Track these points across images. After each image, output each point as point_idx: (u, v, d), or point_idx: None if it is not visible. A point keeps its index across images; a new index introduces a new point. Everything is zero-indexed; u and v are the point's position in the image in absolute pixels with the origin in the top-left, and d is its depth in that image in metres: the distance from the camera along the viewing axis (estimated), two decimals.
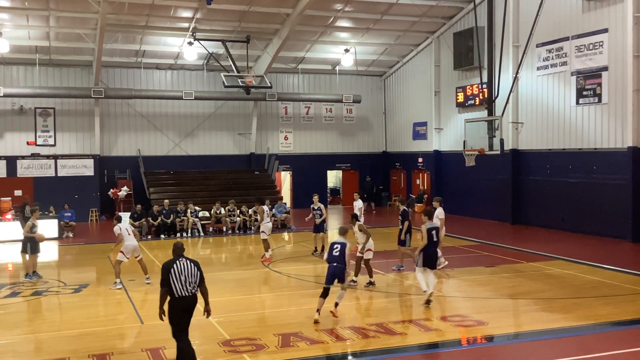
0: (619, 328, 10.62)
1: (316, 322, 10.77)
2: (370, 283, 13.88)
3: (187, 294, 8.34)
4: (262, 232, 17.43)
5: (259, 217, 18.13)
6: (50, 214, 23.41)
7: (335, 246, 11.36)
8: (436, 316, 11.27)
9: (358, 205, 18.72)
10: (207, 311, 8.72)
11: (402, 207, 15.86)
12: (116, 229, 14.52)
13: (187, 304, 8.39)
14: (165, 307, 8.49)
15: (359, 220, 14.38)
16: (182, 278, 8.34)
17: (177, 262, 8.49)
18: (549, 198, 23.44)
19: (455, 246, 19.59)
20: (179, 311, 8.35)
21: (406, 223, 15.37)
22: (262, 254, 17.72)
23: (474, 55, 25.95)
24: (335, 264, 11.21)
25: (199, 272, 8.53)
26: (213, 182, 29.76)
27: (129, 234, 14.51)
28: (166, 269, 8.42)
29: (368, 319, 11.19)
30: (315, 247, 18.42)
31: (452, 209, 28.29)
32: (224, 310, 11.99)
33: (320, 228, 18.19)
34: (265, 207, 17.67)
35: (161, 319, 8.59)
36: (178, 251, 8.70)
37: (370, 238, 13.94)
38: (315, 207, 18.36)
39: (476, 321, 11.02)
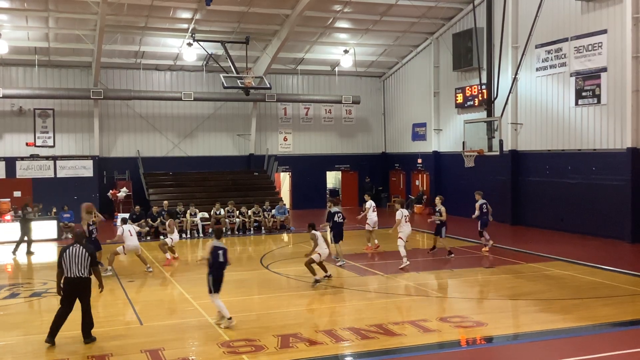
0: (618, 329, 10.63)
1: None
2: (317, 281, 14.19)
3: (74, 275, 9.68)
4: (171, 239, 18.02)
5: (170, 229, 18.17)
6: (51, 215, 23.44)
7: (483, 207, 18.63)
8: (435, 317, 11.27)
9: (370, 205, 19.29)
10: (100, 287, 10.36)
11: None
12: (119, 229, 16.18)
13: (75, 284, 9.72)
14: None
15: (316, 230, 14.63)
16: (71, 261, 9.67)
17: (70, 247, 9.85)
18: (548, 199, 23.45)
19: (455, 247, 19.60)
20: (67, 289, 9.78)
21: (328, 223, 17.25)
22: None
23: (473, 56, 25.98)
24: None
25: (89, 257, 9.81)
26: (212, 183, 29.74)
27: (131, 235, 15.98)
28: (60, 253, 9.86)
29: (367, 320, 11.18)
30: (434, 246, 18.46)
31: (451, 210, 28.12)
32: None
33: (437, 231, 18.17)
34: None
35: (59, 294, 10.02)
36: (76, 238, 10.18)
37: (324, 245, 14.43)
38: (437, 209, 18.29)
39: (475, 322, 11.02)
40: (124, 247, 15.97)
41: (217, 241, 11.27)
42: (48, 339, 9.79)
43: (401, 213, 16.33)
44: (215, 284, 10.92)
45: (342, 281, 14.95)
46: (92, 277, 10.11)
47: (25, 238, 19.75)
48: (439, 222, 17.77)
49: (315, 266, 14.36)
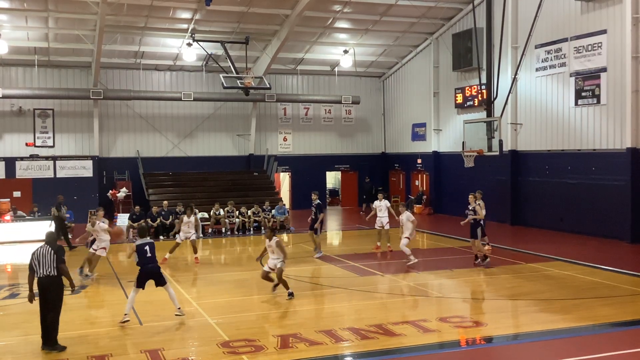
0: (618, 329, 10.63)
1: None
2: (290, 294, 13.01)
3: (43, 274, 9.77)
4: (103, 249, 15.52)
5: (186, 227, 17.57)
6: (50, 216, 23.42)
7: None
8: (435, 317, 11.27)
9: (385, 204, 19.17)
10: (71, 286, 10.17)
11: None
12: (97, 225, 15.48)
13: (45, 283, 9.76)
14: None
15: (275, 236, 13.40)
16: (39, 261, 9.79)
17: (39, 248, 9.96)
18: (547, 199, 23.45)
19: (455, 247, 19.63)
20: (40, 289, 9.80)
21: (321, 215, 18.17)
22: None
23: (472, 56, 25.99)
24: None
25: (55, 256, 9.85)
26: (212, 183, 29.74)
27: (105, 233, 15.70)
28: (31, 256, 9.98)
29: (367, 320, 11.18)
30: (485, 255, 16.60)
31: (451, 210, 28.37)
32: (223, 312, 12.00)
33: (473, 233, 16.59)
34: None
35: (30, 300, 10.01)
36: (46, 239, 10.23)
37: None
38: (470, 207, 16.66)
39: (475, 322, 11.03)
40: (105, 248, 15.36)
41: (142, 239, 11.46)
42: (44, 347, 9.69)
43: (412, 215, 16.86)
44: (140, 279, 11.21)
45: (342, 281, 14.95)
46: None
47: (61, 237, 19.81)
48: (473, 221, 16.35)
49: (273, 276, 13.38)
